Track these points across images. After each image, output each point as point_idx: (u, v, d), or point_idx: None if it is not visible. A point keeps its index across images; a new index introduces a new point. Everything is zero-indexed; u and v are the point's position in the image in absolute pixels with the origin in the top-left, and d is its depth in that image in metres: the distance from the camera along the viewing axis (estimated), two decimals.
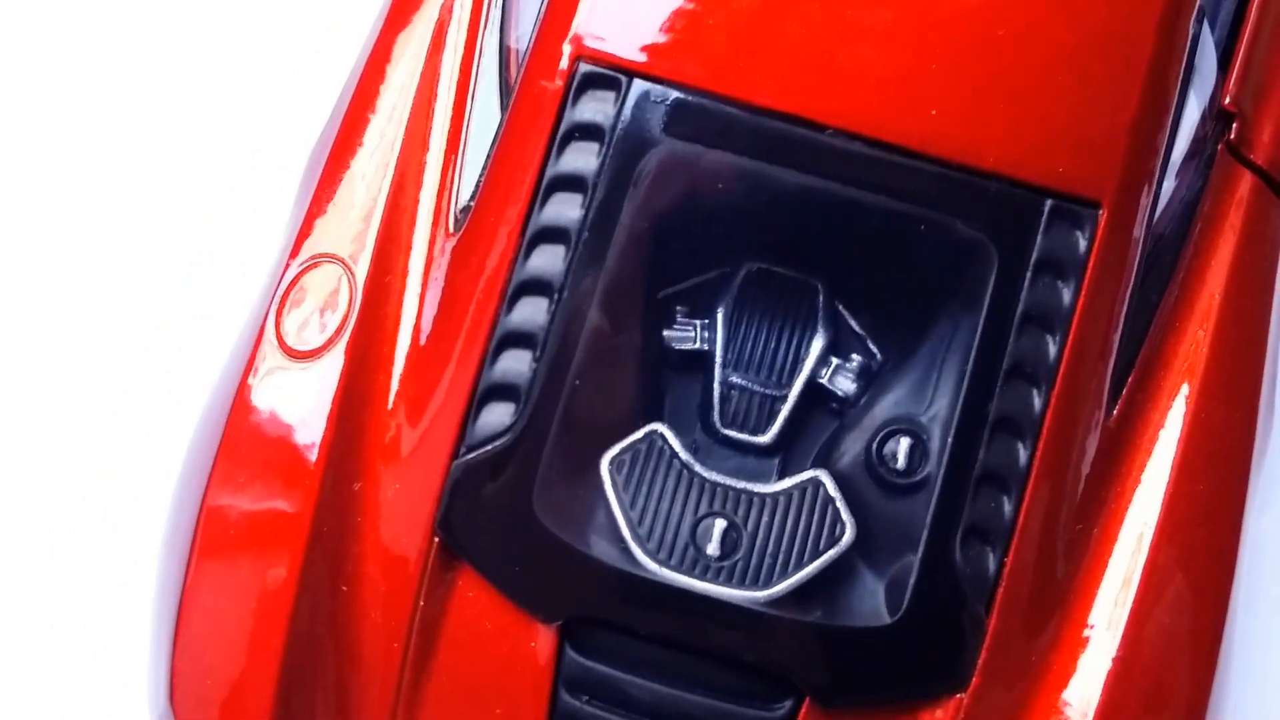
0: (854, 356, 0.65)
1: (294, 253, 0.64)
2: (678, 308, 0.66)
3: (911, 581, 0.59)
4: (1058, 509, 0.60)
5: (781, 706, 0.59)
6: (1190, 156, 0.65)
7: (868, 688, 0.59)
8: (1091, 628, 0.60)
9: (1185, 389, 0.63)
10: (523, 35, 0.67)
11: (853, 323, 0.66)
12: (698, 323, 0.66)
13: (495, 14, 0.67)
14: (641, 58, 0.60)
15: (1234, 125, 0.66)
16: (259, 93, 0.86)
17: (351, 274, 0.63)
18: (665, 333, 0.65)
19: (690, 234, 0.64)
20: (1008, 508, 0.59)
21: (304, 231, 0.64)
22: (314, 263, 0.64)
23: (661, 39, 0.60)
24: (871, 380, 0.65)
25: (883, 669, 0.59)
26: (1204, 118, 0.65)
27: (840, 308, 0.66)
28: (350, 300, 0.63)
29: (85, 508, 0.80)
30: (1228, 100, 0.66)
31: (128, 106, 0.87)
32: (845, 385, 0.65)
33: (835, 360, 0.65)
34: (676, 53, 0.60)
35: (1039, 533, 0.60)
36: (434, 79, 0.66)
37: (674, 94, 0.60)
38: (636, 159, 0.60)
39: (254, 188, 0.83)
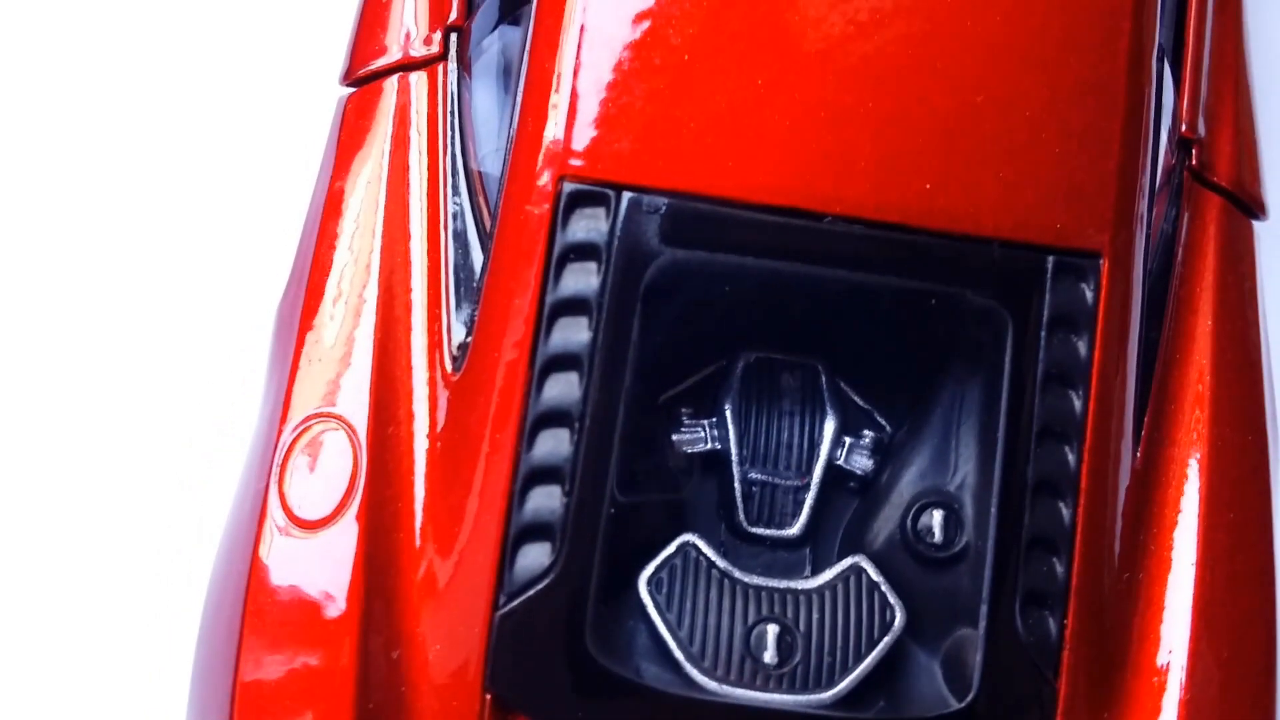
0: (865, 432, 0.64)
1: (283, 417, 0.61)
2: (681, 410, 0.64)
3: (979, 659, 0.58)
4: (1106, 562, 0.60)
5: None
6: (1163, 188, 0.66)
7: None
8: (1155, 674, 0.60)
9: (1198, 420, 0.63)
10: (485, 156, 0.64)
11: (857, 399, 0.65)
12: (705, 422, 0.64)
13: (454, 139, 0.65)
14: (627, 169, 0.59)
15: (1193, 151, 0.67)
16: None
17: (352, 430, 0.60)
18: (674, 437, 0.64)
19: (684, 333, 0.62)
20: (1060, 569, 0.59)
21: (290, 393, 0.61)
22: (307, 425, 0.60)
23: (645, 148, 0.59)
24: (886, 454, 0.65)
25: None
26: (1170, 149, 0.66)
27: (842, 385, 0.65)
28: (355, 459, 0.60)
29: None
30: (1184, 128, 0.67)
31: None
32: (862, 463, 0.64)
33: (848, 439, 0.64)
34: (662, 160, 0.59)
35: (1093, 590, 0.59)
36: (400, 214, 0.64)
37: (667, 202, 0.58)
38: (639, 273, 0.58)
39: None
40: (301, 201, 0.67)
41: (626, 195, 0.59)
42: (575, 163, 0.59)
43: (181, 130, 0.84)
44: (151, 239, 0.82)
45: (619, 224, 0.59)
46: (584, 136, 0.59)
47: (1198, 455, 0.63)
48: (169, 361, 0.80)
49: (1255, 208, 0.68)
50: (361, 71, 0.66)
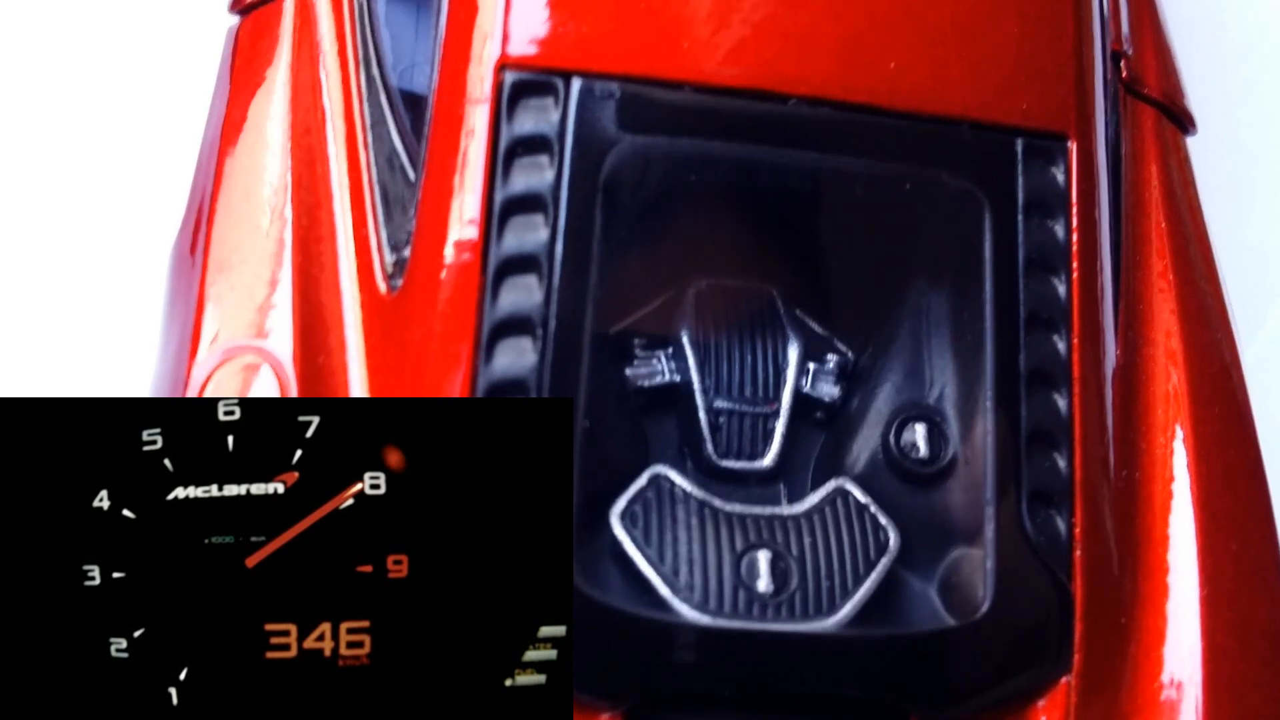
0: (828, 358, 0.60)
1: (192, 353, 0.53)
2: (634, 342, 0.59)
3: (990, 566, 0.53)
4: (1105, 457, 0.56)
5: None
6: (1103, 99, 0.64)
7: (976, 692, 0.53)
8: (1167, 571, 0.56)
9: (1170, 316, 0.61)
10: (407, 71, 0.59)
11: (814, 325, 0.61)
12: (660, 354, 0.59)
13: (366, 54, 0.59)
14: (576, 55, 0.54)
15: (1123, 64, 0.66)
16: None
17: (276, 362, 0.53)
18: (629, 372, 0.58)
19: (629, 260, 0.57)
20: (1062, 464, 0.55)
21: (198, 328, 0.53)
22: (224, 360, 0.53)
23: (594, 31, 0.54)
24: (852, 380, 0.60)
25: (986, 667, 0.53)
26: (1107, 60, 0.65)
27: (799, 313, 0.61)
28: (282, 393, 0.52)
29: None
30: (1112, 41, 0.66)
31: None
32: (829, 390, 0.59)
33: (812, 365, 0.59)
34: (614, 43, 0.54)
35: (1096, 485, 0.56)
36: (310, 134, 0.57)
37: (623, 87, 0.53)
38: (597, 164, 0.53)
39: None
40: (176, 146, 0.60)
41: (577, 82, 0.53)
42: (517, 50, 0.54)
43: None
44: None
45: (571, 113, 0.53)
46: (525, 21, 0.54)
47: (1175, 352, 0.60)
48: (56, 315, 0.73)
49: (1185, 120, 0.67)
50: None
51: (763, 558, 0.54)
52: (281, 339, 0.53)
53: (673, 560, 0.53)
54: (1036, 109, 0.57)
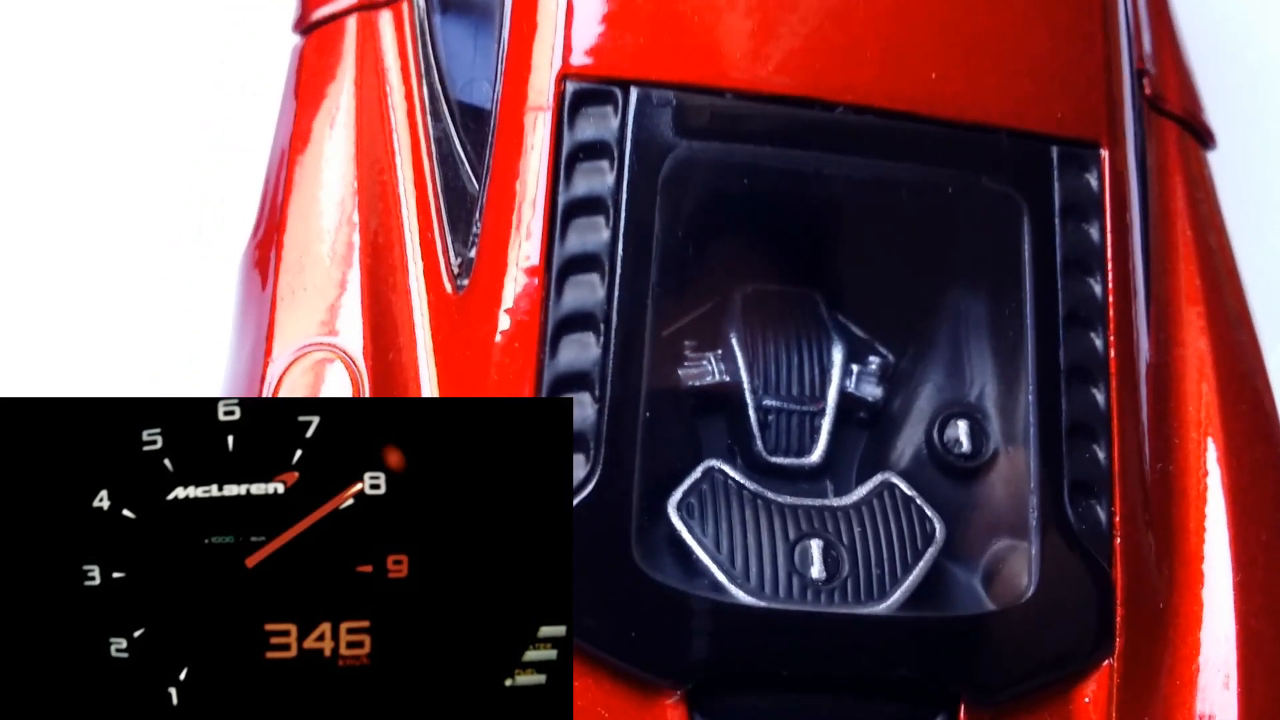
0: (871, 359, 0.62)
1: (268, 351, 0.55)
2: (684, 344, 0.61)
3: (1034, 552, 0.55)
4: (1142, 449, 0.59)
5: None
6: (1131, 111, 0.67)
7: (1023, 673, 0.55)
8: (1202, 560, 0.58)
9: (1199, 316, 0.63)
10: (467, 85, 0.61)
11: (855, 329, 0.63)
12: (710, 355, 0.61)
13: (428, 68, 0.61)
14: (633, 65, 0.56)
15: (1145, 82, 0.68)
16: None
17: (348, 357, 0.55)
18: (681, 371, 0.60)
19: (684, 261, 0.59)
20: (1101, 455, 0.57)
21: (273, 327, 0.56)
22: (300, 356, 0.55)
23: (650, 42, 0.57)
24: (893, 381, 0.62)
25: (1032, 650, 0.55)
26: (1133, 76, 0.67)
27: (840, 318, 0.63)
28: (355, 388, 0.54)
29: None
30: (1136, 59, 0.68)
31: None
32: (871, 390, 0.62)
33: (855, 367, 0.62)
34: (671, 54, 0.57)
35: (1134, 476, 0.58)
36: (376, 144, 0.60)
37: (679, 96, 0.56)
38: (655, 167, 0.56)
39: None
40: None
41: (635, 91, 0.56)
42: (577, 62, 0.56)
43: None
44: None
45: (629, 120, 0.56)
46: (584, 34, 0.57)
47: (1204, 354, 0.63)
48: (57, 316, 0.75)
49: (1205, 135, 0.70)
50: (318, 15, 0.63)
51: (815, 546, 0.56)
52: (352, 336, 0.55)
53: (729, 548, 0.55)
54: (1070, 118, 0.60)
